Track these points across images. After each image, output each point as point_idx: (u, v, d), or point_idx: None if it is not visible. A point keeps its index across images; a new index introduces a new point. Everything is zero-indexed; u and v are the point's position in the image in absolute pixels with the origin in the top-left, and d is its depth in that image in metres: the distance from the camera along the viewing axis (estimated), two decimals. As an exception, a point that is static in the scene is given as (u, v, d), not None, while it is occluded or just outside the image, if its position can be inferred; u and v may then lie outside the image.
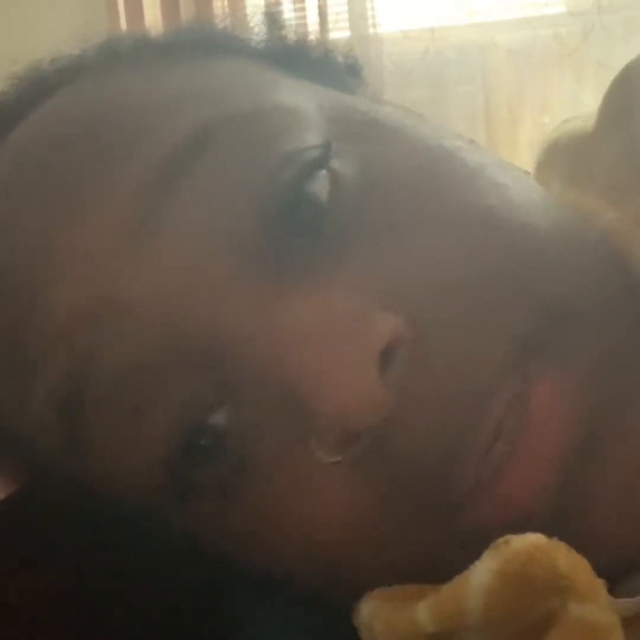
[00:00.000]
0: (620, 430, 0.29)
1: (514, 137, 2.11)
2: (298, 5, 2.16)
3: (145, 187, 0.30)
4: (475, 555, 0.28)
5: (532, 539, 0.27)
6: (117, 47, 0.37)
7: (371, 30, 2.10)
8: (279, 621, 0.35)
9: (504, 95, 2.12)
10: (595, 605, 0.26)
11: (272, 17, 0.41)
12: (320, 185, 0.30)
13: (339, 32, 2.13)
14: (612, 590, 0.27)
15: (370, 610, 0.30)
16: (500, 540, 0.27)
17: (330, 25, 2.13)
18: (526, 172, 0.41)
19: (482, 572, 0.27)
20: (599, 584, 0.27)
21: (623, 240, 0.33)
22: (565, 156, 0.38)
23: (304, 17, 2.15)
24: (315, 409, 0.28)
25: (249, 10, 2.18)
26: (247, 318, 0.29)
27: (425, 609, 0.28)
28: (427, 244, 0.30)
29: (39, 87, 0.36)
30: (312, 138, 0.31)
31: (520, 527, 0.28)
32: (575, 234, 0.32)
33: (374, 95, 0.39)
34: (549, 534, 0.27)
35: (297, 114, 0.32)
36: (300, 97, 0.33)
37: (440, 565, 0.29)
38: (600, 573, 0.27)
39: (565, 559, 0.27)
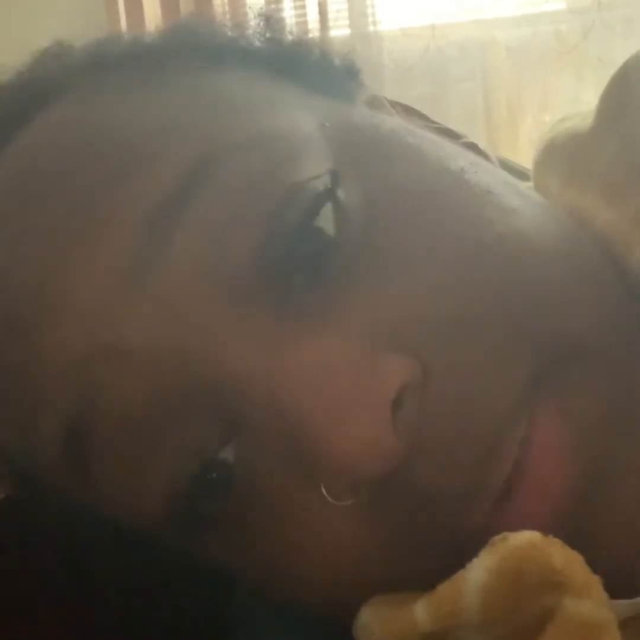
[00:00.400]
0: (627, 467, 0.29)
1: (514, 135, 2.11)
2: (298, 3, 2.15)
3: (143, 229, 0.29)
4: None
5: (528, 536, 0.27)
6: (107, 58, 0.35)
7: (371, 28, 2.10)
8: (278, 623, 0.35)
9: (504, 92, 2.11)
10: (591, 601, 0.27)
11: (269, 19, 0.39)
12: (326, 220, 0.29)
13: (339, 30, 2.13)
14: (611, 594, 0.27)
15: (369, 615, 0.30)
16: (497, 537, 0.28)
17: (331, 23, 2.12)
18: (526, 170, 0.41)
19: (479, 570, 0.27)
20: (595, 581, 0.27)
21: (621, 240, 0.33)
22: (563, 155, 0.38)
23: (304, 15, 2.15)
24: (325, 456, 0.27)
25: (249, 8, 2.17)
26: (250, 361, 0.28)
27: (422, 608, 0.28)
28: (434, 281, 0.29)
29: (23, 104, 0.34)
30: (314, 167, 0.30)
31: None
32: (579, 255, 0.32)
33: (373, 100, 0.38)
34: None
35: (297, 140, 0.30)
36: (300, 117, 0.32)
37: (437, 580, 0.28)
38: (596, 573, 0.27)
39: (561, 555, 0.27)
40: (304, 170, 0.29)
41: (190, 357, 0.28)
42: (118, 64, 0.35)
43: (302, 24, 2.11)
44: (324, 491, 0.28)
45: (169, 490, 0.29)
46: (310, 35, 2.02)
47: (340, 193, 0.29)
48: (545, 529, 0.27)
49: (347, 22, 2.13)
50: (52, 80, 0.35)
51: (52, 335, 0.29)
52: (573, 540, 0.28)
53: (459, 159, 0.33)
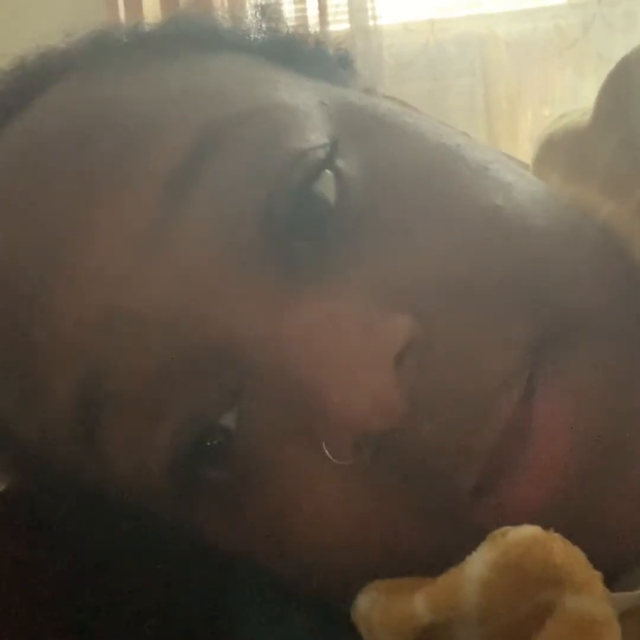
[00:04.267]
0: (629, 439, 0.29)
1: (514, 130, 2.11)
2: (298, -3, 2.15)
3: (157, 195, 0.29)
4: (472, 547, 0.28)
5: (529, 531, 0.27)
6: (109, 42, 0.37)
7: (371, 23, 2.10)
8: (278, 618, 0.35)
9: (503, 87, 2.11)
10: (591, 597, 0.27)
11: (265, 9, 0.40)
12: (327, 186, 0.30)
13: (338, 25, 2.12)
14: (610, 585, 0.27)
15: (368, 603, 0.30)
16: (497, 531, 0.28)
17: (330, 18, 2.12)
18: (526, 165, 0.41)
19: (479, 563, 0.27)
20: (595, 576, 0.27)
21: (623, 232, 0.33)
22: (562, 151, 0.38)
23: (304, 10, 2.14)
24: (330, 410, 0.28)
25: (248, 1, 2.17)
26: (257, 322, 0.29)
27: (421, 600, 0.28)
28: (435, 246, 0.30)
29: (27, 85, 0.35)
30: (316, 137, 0.31)
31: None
32: (579, 232, 0.32)
33: (367, 87, 0.39)
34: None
35: (300, 112, 0.32)
36: (301, 94, 0.33)
37: (444, 563, 0.28)
38: (597, 566, 0.27)
39: (561, 550, 0.27)
40: (307, 140, 0.31)
41: (199, 320, 0.29)
42: (121, 47, 0.36)
43: (302, 18, 2.11)
44: (325, 450, 0.28)
45: (172, 454, 0.30)
46: (310, 30, 2.02)
47: (340, 162, 0.30)
48: (545, 494, 0.28)
49: (346, 16, 2.12)
50: (59, 60, 0.36)
51: (66, 298, 0.30)
52: (575, 512, 0.28)
53: (455, 137, 0.34)
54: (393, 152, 0.32)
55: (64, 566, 0.34)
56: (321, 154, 0.30)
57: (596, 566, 0.27)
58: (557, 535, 0.27)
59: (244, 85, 0.33)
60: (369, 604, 0.30)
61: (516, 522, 0.28)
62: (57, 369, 0.30)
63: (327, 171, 0.30)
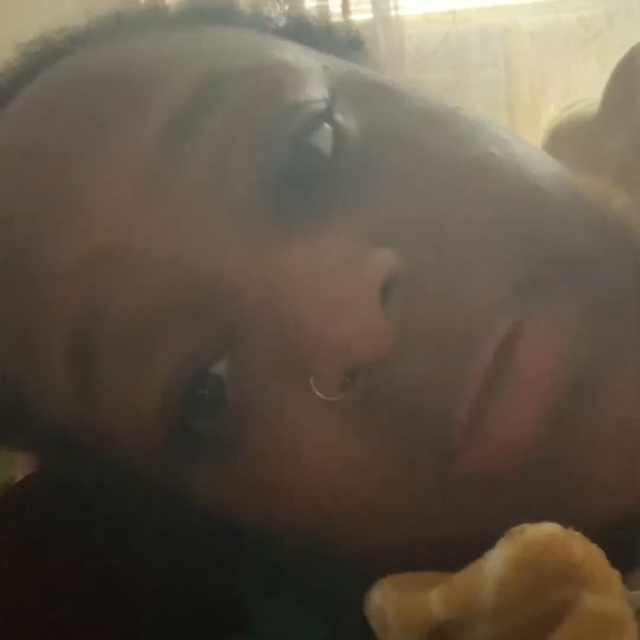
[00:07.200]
0: (611, 378, 0.29)
1: (537, 122, 2.09)
2: (320, -13, 2.14)
3: (157, 142, 0.30)
4: (468, 507, 0.29)
5: (548, 528, 0.27)
6: (124, 18, 0.38)
7: (393, 13, 2.08)
8: (287, 614, 0.35)
9: (526, 79, 2.10)
10: (610, 596, 0.26)
11: None
12: (324, 139, 0.31)
13: (360, 15, 2.11)
14: (623, 582, 0.27)
15: (382, 598, 0.30)
16: (515, 529, 0.27)
17: (352, 8, 2.11)
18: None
19: (496, 561, 0.27)
20: (614, 575, 0.27)
21: (635, 223, 0.33)
22: (571, 142, 0.38)
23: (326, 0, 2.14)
24: (317, 343, 0.28)
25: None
26: (248, 263, 0.29)
27: (437, 597, 0.28)
28: (426, 189, 0.30)
29: (51, 50, 0.37)
30: (316, 92, 0.32)
31: (513, 472, 0.28)
32: (577, 191, 0.33)
33: (376, 65, 0.40)
34: (546, 479, 0.28)
35: (301, 69, 0.32)
36: (305, 58, 0.34)
37: (433, 518, 0.29)
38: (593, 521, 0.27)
39: (581, 549, 0.27)
40: (306, 93, 0.31)
41: (192, 261, 0.30)
42: (137, 21, 0.38)
43: (324, 8, 2.10)
44: (314, 387, 0.29)
45: (163, 399, 0.30)
46: (332, 19, 2.02)
47: (339, 117, 0.31)
48: (532, 425, 0.28)
49: (369, 6, 2.11)
50: (78, 34, 0.38)
51: (67, 232, 0.30)
52: (561, 446, 0.28)
53: (455, 103, 0.35)
54: (392, 109, 0.33)
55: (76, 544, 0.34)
56: (319, 106, 0.31)
57: (592, 522, 0.27)
58: (577, 533, 0.27)
59: (248, 46, 0.34)
60: (382, 599, 0.30)
61: (505, 467, 0.28)
62: (50, 307, 0.31)
63: (325, 124, 0.31)
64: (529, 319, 0.29)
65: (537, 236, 0.30)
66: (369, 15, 2.10)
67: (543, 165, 0.32)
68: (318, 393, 0.29)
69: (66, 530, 0.34)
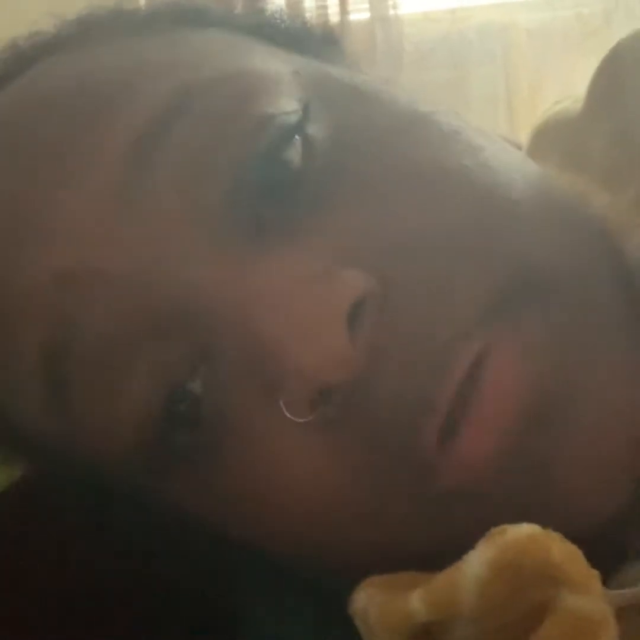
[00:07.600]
0: (576, 400, 0.29)
1: (536, 118, 2.09)
2: (318, -13, 2.14)
3: (128, 156, 0.30)
4: (445, 519, 0.29)
5: (527, 529, 0.27)
6: (92, 22, 0.38)
7: (391, 12, 2.08)
8: (274, 613, 0.35)
9: (525, 76, 2.09)
10: (589, 596, 0.26)
11: None
12: (294, 151, 0.30)
13: (359, 14, 2.11)
14: (605, 582, 0.27)
15: (365, 599, 0.30)
16: (495, 530, 0.28)
17: (350, 7, 2.11)
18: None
19: (476, 562, 0.27)
20: (593, 575, 0.27)
21: (617, 223, 0.33)
22: (555, 141, 0.38)
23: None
24: (286, 365, 0.28)
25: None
26: (221, 281, 0.29)
27: (418, 598, 0.28)
28: (396, 202, 0.30)
29: (16, 61, 0.36)
30: (286, 103, 0.31)
31: (482, 491, 0.28)
32: (553, 198, 0.32)
33: (351, 64, 0.39)
34: (515, 497, 0.28)
35: (271, 78, 0.32)
36: (275, 64, 0.33)
37: (413, 534, 0.29)
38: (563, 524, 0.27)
39: (560, 549, 0.27)
40: (275, 105, 0.31)
41: (164, 279, 0.29)
42: (104, 27, 0.37)
43: (322, 8, 2.10)
44: (283, 409, 0.29)
45: (141, 417, 0.30)
46: (330, 19, 2.01)
47: (309, 128, 0.31)
48: (495, 445, 0.28)
49: (367, 5, 2.11)
50: (46, 41, 0.37)
51: (34, 254, 0.30)
52: (529, 468, 0.28)
53: (430, 106, 0.34)
54: (363, 115, 0.32)
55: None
56: (290, 119, 0.31)
57: (573, 526, 0.27)
58: (556, 534, 0.27)
59: (218, 54, 0.34)
60: (365, 600, 0.30)
61: (477, 477, 0.28)
62: (21, 331, 0.30)
63: (296, 137, 0.30)
64: (496, 342, 0.29)
65: (507, 252, 0.30)
66: (367, 15, 2.10)
67: (517, 173, 0.32)
68: (288, 414, 0.29)
69: (49, 537, 0.35)
